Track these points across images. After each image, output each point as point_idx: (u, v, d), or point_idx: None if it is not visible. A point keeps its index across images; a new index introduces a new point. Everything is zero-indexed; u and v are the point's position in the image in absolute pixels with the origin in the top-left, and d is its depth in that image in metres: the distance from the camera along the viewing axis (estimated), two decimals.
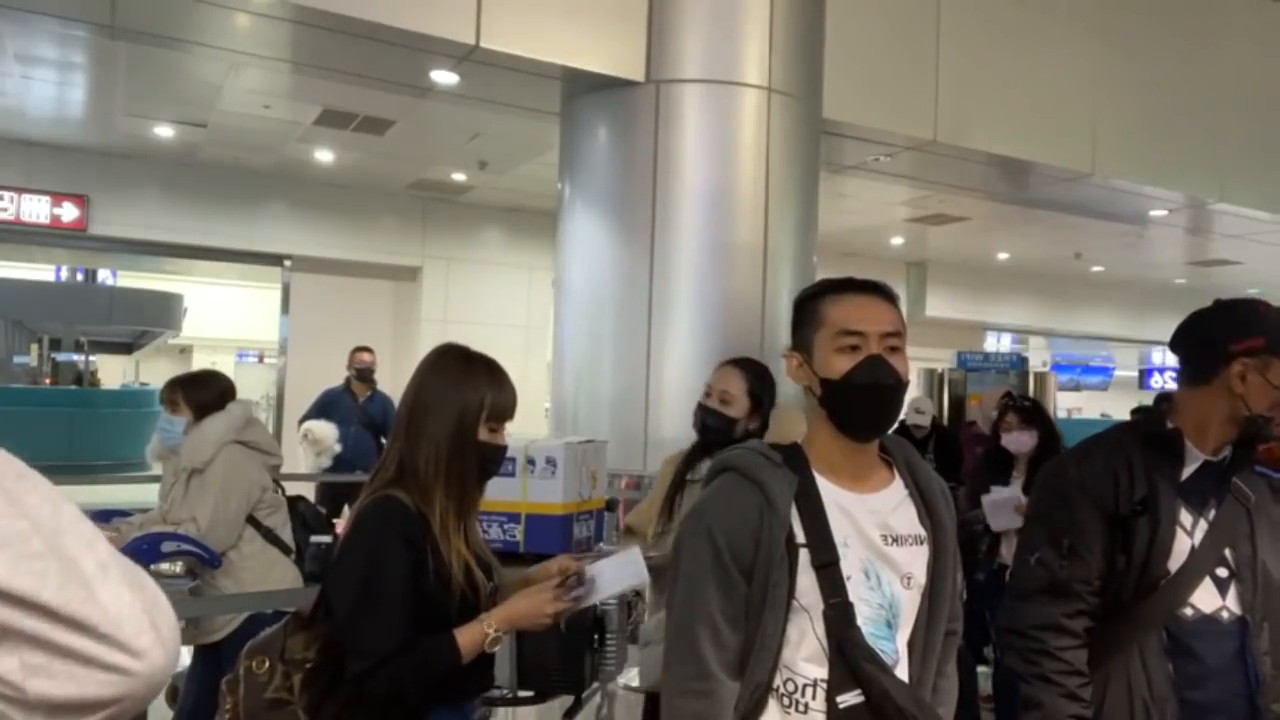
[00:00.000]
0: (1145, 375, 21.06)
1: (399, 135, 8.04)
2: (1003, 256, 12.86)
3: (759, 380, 2.87)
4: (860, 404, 1.52)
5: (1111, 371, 22.17)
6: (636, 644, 2.87)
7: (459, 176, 9.54)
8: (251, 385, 12.05)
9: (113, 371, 19.41)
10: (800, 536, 1.49)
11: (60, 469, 9.09)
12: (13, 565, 0.67)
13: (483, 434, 1.88)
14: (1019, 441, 4.24)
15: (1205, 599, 1.82)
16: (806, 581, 1.48)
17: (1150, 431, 1.91)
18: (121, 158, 9.05)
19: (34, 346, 16.55)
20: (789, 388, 2.16)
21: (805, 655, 1.49)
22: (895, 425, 2.28)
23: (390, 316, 10.95)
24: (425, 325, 10.40)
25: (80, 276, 16.38)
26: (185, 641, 3.34)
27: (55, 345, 16.68)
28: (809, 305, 1.59)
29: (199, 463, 3.27)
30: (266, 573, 3.35)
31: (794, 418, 3.07)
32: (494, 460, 1.93)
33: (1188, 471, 1.86)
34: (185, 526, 3.23)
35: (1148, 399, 11.00)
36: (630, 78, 4.42)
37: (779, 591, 1.47)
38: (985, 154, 5.99)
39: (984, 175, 6.74)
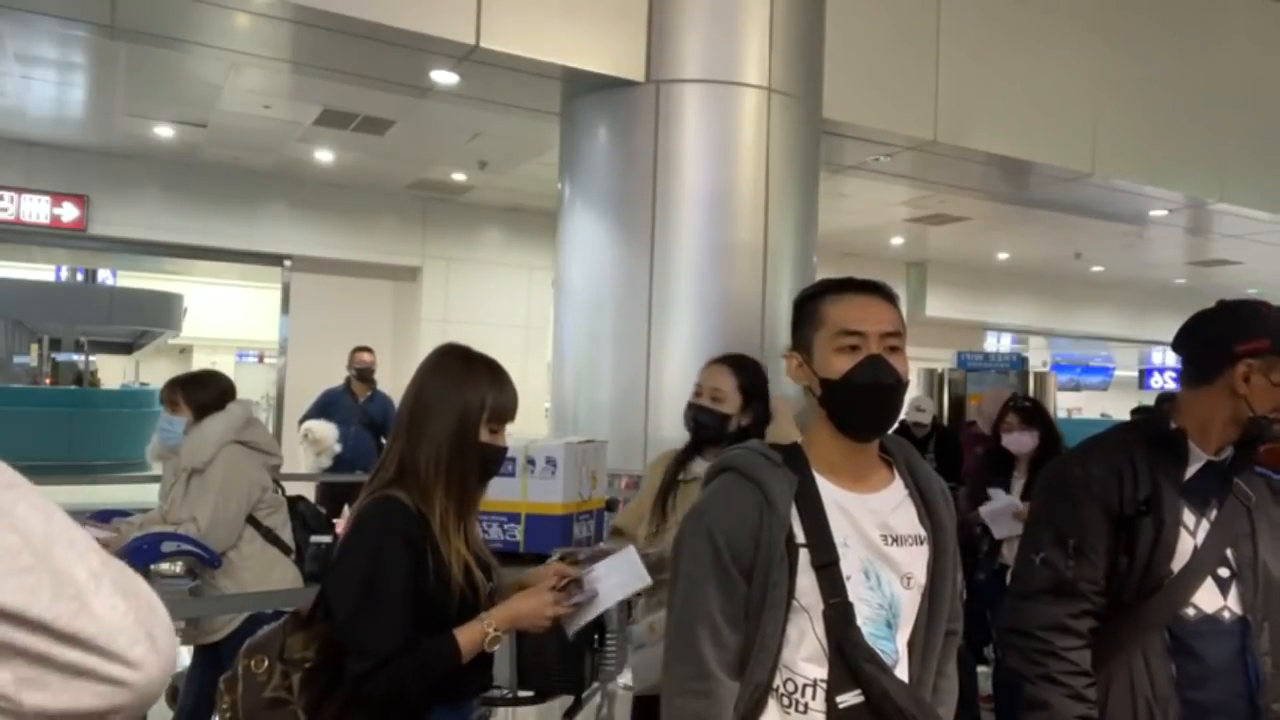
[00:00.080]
0: (1145, 375, 21.07)
1: (399, 135, 8.04)
2: (1003, 256, 12.86)
3: (748, 375, 2.87)
4: (860, 404, 1.52)
5: (1111, 371, 22.17)
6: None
7: (459, 176, 9.54)
8: (251, 385, 12.05)
9: (113, 371, 19.43)
10: (800, 536, 1.49)
11: (60, 469, 9.16)
12: (3, 581, 0.66)
13: (484, 435, 1.87)
14: (1020, 442, 4.23)
15: (1207, 599, 1.82)
16: (806, 581, 1.48)
17: (1153, 431, 1.90)
18: (121, 158, 9.04)
19: (34, 346, 16.57)
20: (786, 386, 2.16)
21: (805, 655, 1.49)
22: (896, 424, 2.28)
23: (390, 316, 10.95)
24: (425, 325, 10.40)
25: (80, 276, 16.40)
26: (185, 641, 3.34)
27: (55, 345, 16.71)
28: (809, 305, 1.59)
29: (199, 463, 3.28)
30: (266, 573, 3.35)
31: (790, 402, 3.08)
32: (495, 461, 1.93)
33: (1190, 471, 1.86)
34: (185, 526, 3.23)
35: (1148, 399, 10.99)
36: (630, 78, 4.42)
37: (779, 591, 1.47)
38: (985, 154, 5.99)
39: (984, 175, 6.74)
